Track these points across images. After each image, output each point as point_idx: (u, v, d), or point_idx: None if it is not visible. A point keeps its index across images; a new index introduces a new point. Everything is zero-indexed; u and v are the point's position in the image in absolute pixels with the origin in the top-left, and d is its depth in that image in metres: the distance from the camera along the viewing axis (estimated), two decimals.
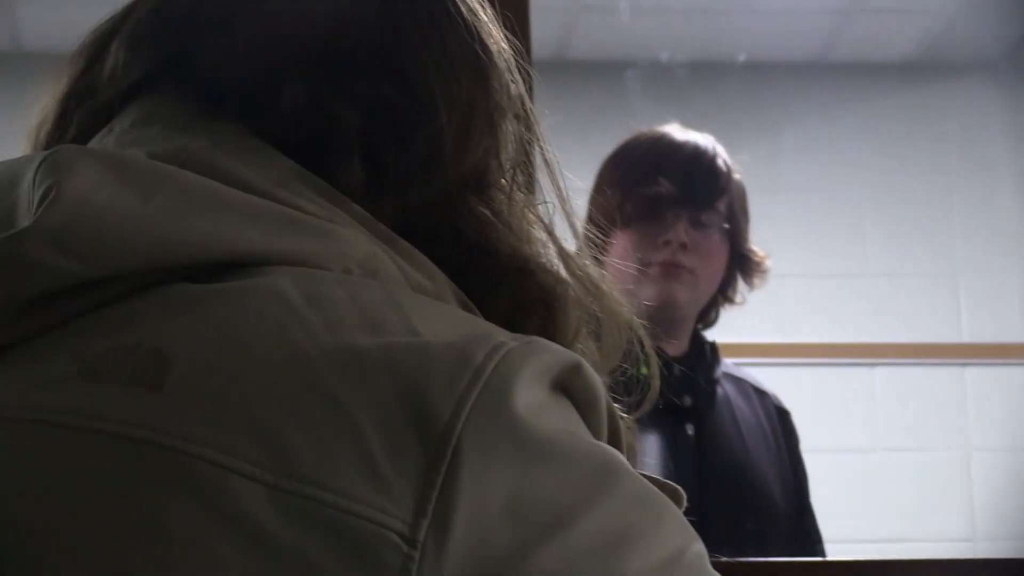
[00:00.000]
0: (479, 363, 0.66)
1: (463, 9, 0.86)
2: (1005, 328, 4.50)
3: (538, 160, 0.89)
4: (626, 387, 0.89)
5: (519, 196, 0.86)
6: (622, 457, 0.70)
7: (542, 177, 0.89)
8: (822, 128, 4.59)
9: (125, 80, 0.83)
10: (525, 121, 0.89)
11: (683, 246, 2.24)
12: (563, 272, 0.85)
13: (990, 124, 4.64)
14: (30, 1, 4.21)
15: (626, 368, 0.89)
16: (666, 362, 1.84)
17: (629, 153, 2.33)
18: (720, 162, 2.32)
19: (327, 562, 0.60)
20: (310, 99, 0.80)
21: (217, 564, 0.60)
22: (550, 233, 0.87)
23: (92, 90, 0.85)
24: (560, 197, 0.89)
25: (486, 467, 0.63)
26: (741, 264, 2.33)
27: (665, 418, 2.17)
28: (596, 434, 0.72)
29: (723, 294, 2.34)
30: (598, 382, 0.72)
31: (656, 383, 0.92)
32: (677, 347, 2.28)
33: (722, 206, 2.30)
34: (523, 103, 0.89)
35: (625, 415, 0.79)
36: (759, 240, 2.38)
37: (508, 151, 0.86)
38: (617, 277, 2.05)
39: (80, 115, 0.85)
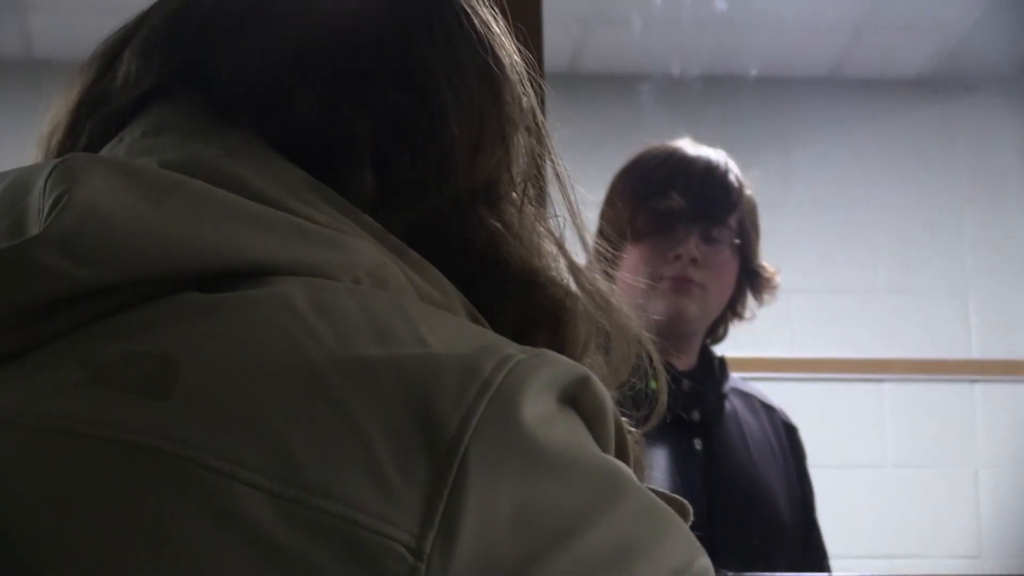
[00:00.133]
0: (488, 374, 0.66)
1: (476, 21, 0.86)
2: (1015, 345, 4.49)
3: (549, 173, 0.89)
4: (634, 401, 0.89)
5: (530, 209, 0.86)
6: (629, 470, 0.70)
7: (553, 190, 0.89)
8: (834, 144, 4.59)
9: (137, 88, 0.83)
10: (537, 134, 0.89)
11: (694, 261, 2.25)
12: (573, 286, 0.85)
13: (1002, 141, 4.63)
14: (42, 8, 4.23)
15: (634, 382, 0.89)
16: (674, 376, 1.83)
17: (641, 167, 2.33)
18: (732, 177, 2.32)
19: (332, 572, 0.60)
20: (323, 108, 0.80)
21: (223, 573, 0.60)
22: (560, 246, 0.87)
23: (104, 98, 0.85)
24: (571, 211, 0.89)
25: (493, 479, 0.63)
26: (751, 280, 2.33)
27: (673, 432, 2.17)
28: (604, 447, 0.71)
29: (732, 309, 2.34)
30: (606, 395, 0.72)
31: (664, 397, 0.92)
32: (686, 362, 2.28)
33: (733, 221, 2.30)
34: (535, 116, 0.89)
35: (633, 429, 0.79)
36: (769, 255, 2.38)
37: (519, 164, 0.86)
38: (627, 291, 2.05)
39: (92, 123, 0.84)
